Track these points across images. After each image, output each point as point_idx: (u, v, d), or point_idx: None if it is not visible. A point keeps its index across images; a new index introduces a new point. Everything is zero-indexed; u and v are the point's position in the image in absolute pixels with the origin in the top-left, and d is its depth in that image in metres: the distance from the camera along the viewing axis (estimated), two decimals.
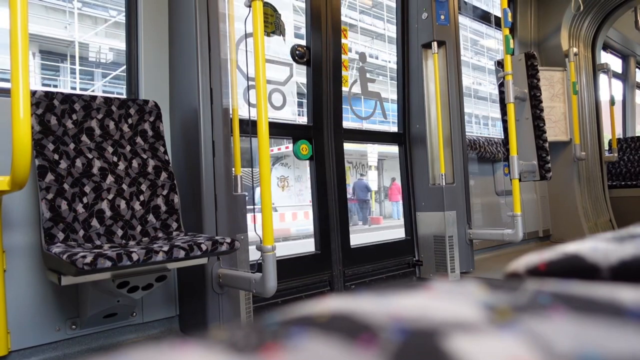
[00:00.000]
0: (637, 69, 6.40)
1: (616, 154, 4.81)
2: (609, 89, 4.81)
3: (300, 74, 2.91)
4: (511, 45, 2.94)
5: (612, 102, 4.82)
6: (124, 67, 2.30)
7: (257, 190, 1.88)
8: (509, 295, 0.22)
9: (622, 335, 0.18)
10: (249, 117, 2.08)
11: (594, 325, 0.18)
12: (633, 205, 4.58)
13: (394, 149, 3.58)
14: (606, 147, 4.92)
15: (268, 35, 2.59)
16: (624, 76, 6.26)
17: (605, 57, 5.56)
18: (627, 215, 4.50)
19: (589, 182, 4.43)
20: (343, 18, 3.30)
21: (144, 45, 2.22)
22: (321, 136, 2.83)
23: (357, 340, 0.17)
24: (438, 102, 3.17)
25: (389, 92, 4.04)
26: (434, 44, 3.20)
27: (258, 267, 1.80)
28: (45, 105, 1.79)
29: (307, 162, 2.83)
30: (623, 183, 4.88)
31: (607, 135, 5.00)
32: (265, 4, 2.55)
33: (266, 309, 2.29)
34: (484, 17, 4.53)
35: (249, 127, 2.05)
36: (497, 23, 4.19)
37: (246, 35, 2.24)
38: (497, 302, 0.21)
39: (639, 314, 0.19)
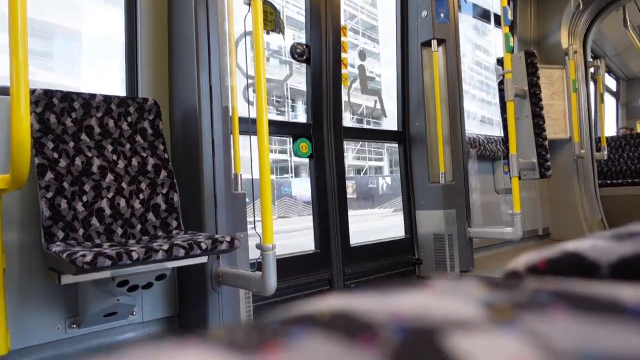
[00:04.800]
0: (606, 73, 6.26)
1: (605, 152, 4.79)
2: (602, 86, 4.79)
3: None
4: (511, 43, 2.93)
5: (601, 100, 4.80)
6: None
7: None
8: (509, 293, 0.22)
9: (622, 333, 0.18)
10: (249, 115, 2.08)
11: (594, 323, 0.18)
12: (620, 203, 4.53)
13: None
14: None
15: (267, 33, 2.59)
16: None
17: None
18: (615, 214, 4.43)
19: (586, 180, 4.42)
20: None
21: (143, 43, 2.22)
22: (321, 134, 2.83)
23: (358, 338, 0.17)
24: (437, 100, 3.17)
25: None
26: (434, 42, 3.19)
27: (258, 265, 1.80)
28: (45, 103, 1.79)
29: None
30: (609, 182, 4.86)
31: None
32: (265, 2, 2.55)
33: (266, 308, 2.29)
34: (483, 15, 4.52)
35: (248, 125, 2.05)
36: (497, 21, 4.19)
37: (245, 33, 2.24)
38: (496, 300, 0.21)
39: (639, 311, 0.19)
